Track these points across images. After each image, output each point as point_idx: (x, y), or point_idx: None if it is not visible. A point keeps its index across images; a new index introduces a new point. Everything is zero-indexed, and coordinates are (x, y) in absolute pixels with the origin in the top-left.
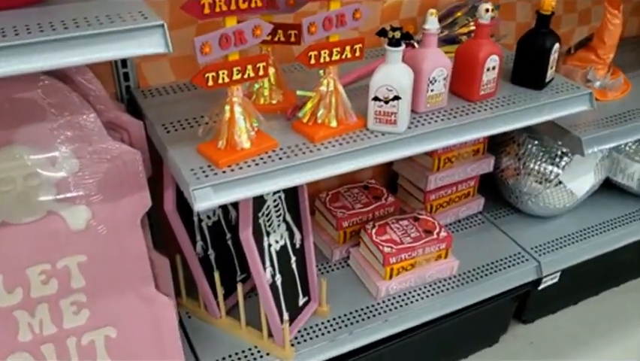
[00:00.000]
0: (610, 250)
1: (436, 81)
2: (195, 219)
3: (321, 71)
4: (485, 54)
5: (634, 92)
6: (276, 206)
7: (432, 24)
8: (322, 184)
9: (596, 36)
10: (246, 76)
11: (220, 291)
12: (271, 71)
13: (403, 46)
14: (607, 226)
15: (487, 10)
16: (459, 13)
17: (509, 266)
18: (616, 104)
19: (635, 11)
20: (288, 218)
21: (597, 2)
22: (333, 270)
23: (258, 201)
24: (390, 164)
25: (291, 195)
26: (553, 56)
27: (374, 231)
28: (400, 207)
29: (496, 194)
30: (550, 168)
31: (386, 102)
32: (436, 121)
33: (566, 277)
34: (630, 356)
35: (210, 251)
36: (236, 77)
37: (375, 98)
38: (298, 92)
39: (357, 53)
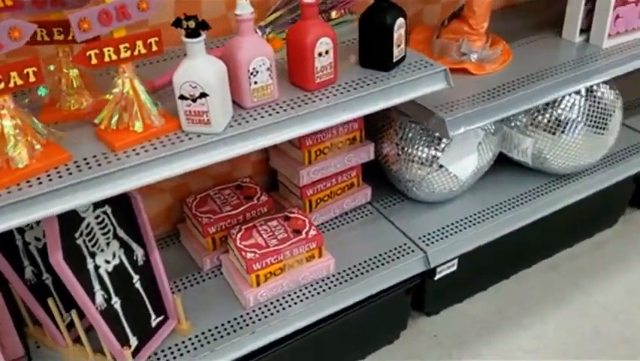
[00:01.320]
0: (509, 232)
1: (258, 72)
2: (19, 243)
3: (114, 72)
4: (313, 38)
5: (515, 63)
6: (100, 223)
7: (243, 8)
8: (193, 186)
9: (466, 5)
10: (136, 53)
11: (59, 319)
12: (73, 72)
13: (203, 36)
14: (503, 207)
15: None
16: None
17: (395, 259)
18: (494, 77)
19: None
20: (122, 234)
21: None
22: (204, 280)
23: (72, 220)
24: (267, 159)
25: (122, 207)
26: (399, 32)
27: (239, 236)
28: (275, 206)
29: (386, 181)
30: (429, 151)
31: (193, 100)
32: (263, 117)
33: (467, 264)
34: (539, 342)
35: (46, 276)
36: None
37: (182, 97)
38: (105, 97)
39: (154, 48)
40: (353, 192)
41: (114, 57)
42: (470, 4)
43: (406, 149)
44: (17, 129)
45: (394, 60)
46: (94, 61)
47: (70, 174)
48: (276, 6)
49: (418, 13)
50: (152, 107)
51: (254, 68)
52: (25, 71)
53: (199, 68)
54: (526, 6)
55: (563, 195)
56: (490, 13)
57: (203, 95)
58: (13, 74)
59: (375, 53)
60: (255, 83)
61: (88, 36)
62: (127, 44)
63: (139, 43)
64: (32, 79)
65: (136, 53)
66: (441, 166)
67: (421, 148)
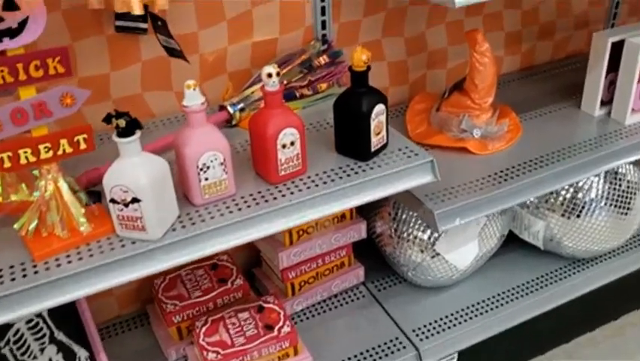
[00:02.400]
0: (515, 325)
1: (209, 168)
2: None
3: (36, 172)
4: (275, 129)
5: (524, 140)
6: (33, 328)
7: (191, 99)
8: None
9: (467, 78)
10: (60, 152)
11: None
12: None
13: (137, 134)
14: (511, 295)
15: (269, 75)
16: (292, 64)
17: (384, 356)
18: (499, 157)
19: (543, 34)
20: (61, 337)
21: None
22: None
23: None
24: None
25: (62, 307)
26: (377, 119)
27: (204, 330)
28: (253, 288)
29: (382, 258)
30: (424, 236)
31: (125, 205)
32: (213, 217)
33: (468, 358)
34: None
35: None
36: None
37: (113, 201)
38: (13, 197)
39: (83, 146)
40: (343, 273)
41: (32, 159)
42: (472, 78)
43: (399, 231)
44: None
45: (373, 150)
46: (7, 164)
47: None
48: (253, 79)
49: (421, 79)
50: (78, 211)
51: (204, 164)
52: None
53: (131, 171)
54: (546, 68)
55: (582, 282)
56: (498, 81)
57: (135, 200)
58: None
59: (351, 141)
60: (206, 179)
61: None
62: (48, 144)
63: (63, 142)
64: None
65: (60, 152)
66: (437, 254)
67: (415, 232)
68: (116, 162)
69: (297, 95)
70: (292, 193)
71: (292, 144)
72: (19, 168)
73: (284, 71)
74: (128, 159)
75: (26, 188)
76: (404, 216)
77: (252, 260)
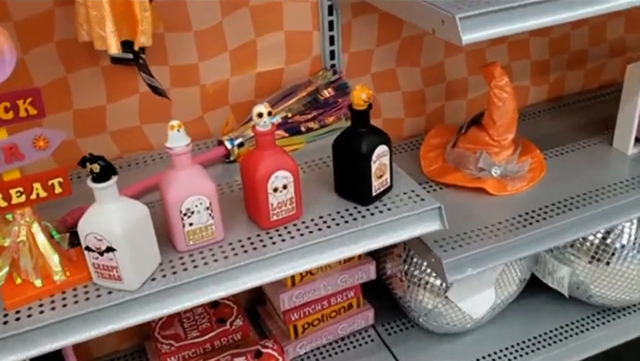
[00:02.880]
0: None
1: (193, 213)
2: None
3: (9, 216)
4: (266, 172)
5: (548, 180)
6: None
7: (174, 141)
8: None
9: (486, 113)
10: (33, 197)
11: None
12: None
13: (113, 180)
14: (533, 345)
15: (259, 115)
16: (297, 96)
17: None
18: (519, 198)
19: (573, 63)
20: None
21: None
22: None
23: None
24: None
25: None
26: (379, 161)
27: None
28: (254, 328)
29: (394, 300)
30: (435, 282)
31: (100, 254)
32: (197, 266)
33: None
34: None
35: None
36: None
37: (88, 248)
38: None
39: (58, 190)
40: (351, 315)
41: (3, 204)
42: (490, 113)
43: (410, 275)
44: None
45: (374, 194)
46: None
47: None
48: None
49: (439, 110)
50: (52, 258)
51: (187, 209)
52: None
53: (105, 218)
54: (575, 100)
55: (610, 334)
56: (523, 113)
57: (110, 249)
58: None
59: (350, 184)
60: (190, 224)
61: None
62: (20, 188)
63: (37, 185)
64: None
65: (33, 197)
66: (450, 301)
67: (426, 277)
68: (91, 207)
69: (303, 128)
70: (283, 241)
71: (285, 187)
72: None
73: (289, 102)
74: (103, 206)
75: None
76: (415, 260)
77: (256, 297)
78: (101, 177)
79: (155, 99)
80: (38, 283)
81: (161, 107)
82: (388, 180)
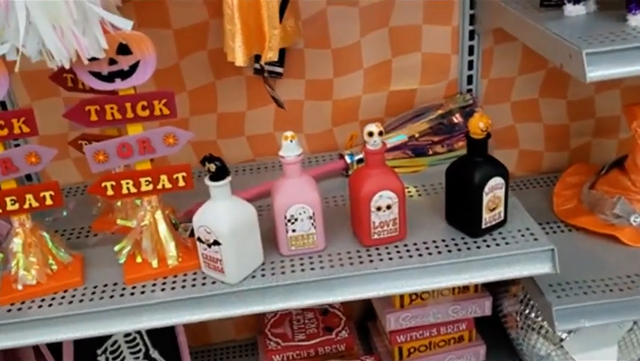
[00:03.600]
0: None
1: (297, 220)
2: None
3: (138, 202)
4: (370, 190)
5: None
6: (130, 342)
7: (287, 150)
8: None
9: (629, 154)
10: (159, 187)
11: None
12: None
13: (227, 179)
14: None
15: (369, 134)
16: (427, 117)
17: None
18: None
19: None
20: (155, 355)
21: None
22: None
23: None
24: None
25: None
26: (492, 194)
27: None
28: (360, 342)
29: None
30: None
31: (209, 246)
32: (294, 271)
33: None
34: None
35: None
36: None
37: (199, 239)
38: (118, 221)
39: (181, 183)
40: (461, 348)
41: (133, 190)
42: (634, 157)
43: (525, 316)
44: (30, 248)
45: (484, 226)
46: (110, 192)
47: (81, 301)
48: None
49: (585, 147)
50: (169, 244)
51: (292, 215)
52: (42, 194)
53: (216, 214)
54: None
55: None
56: None
57: (216, 242)
58: (28, 195)
59: (460, 213)
60: (293, 230)
61: (103, 168)
62: (149, 178)
63: (163, 177)
64: (49, 202)
65: (159, 187)
66: (566, 352)
67: (541, 321)
68: (206, 203)
69: (429, 151)
70: (381, 260)
71: (388, 207)
72: (120, 197)
73: (418, 123)
74: (216, 203)
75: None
76: (532, 302)
77: (368, 311)
78: (216, 176)
79: (290, 110)
80: (155, 264)
81: (294, 117)
82: (502, 213)
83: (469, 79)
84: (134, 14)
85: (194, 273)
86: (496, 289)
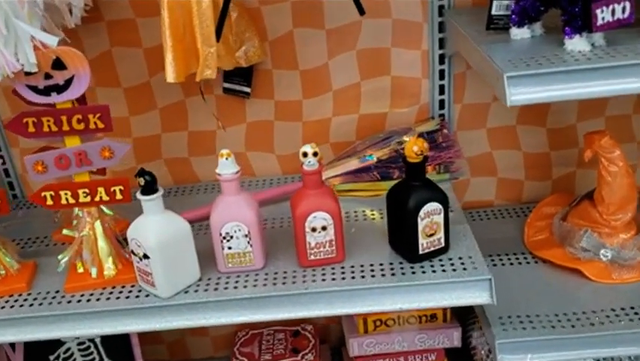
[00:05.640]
0: None
1: (232, 237)
2: None
3: (79, 212)
4: (304, 211)
5: None
6: (84, 350)
7: (224, 168)
8: None
9: (597, 186)
10: (97, 199)
11: None
12: None
13: (156, 194)
14: None
15: (304, 155)
16: (395, 141)
17: None
18: (620, 291)
19: None
20: None
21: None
22: None
23: (50, 342)
24: None
25: (115, 337)
26: (429, 219)
27: None
28: None
29: None
30: None
31: (140, 259)
32: (226, 288)
33: None
34: None
35: None
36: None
37: (133, 253)
38: (63, 231)
39: (119, 196)
40: None
41: (72, 201)
42: (600, 189)
43: (488, 349)
44: None
45: (422, 252)
46: (49, 202)
47: (21, 306)
48: (342, 154)
49: (569, 177)
50: (105, 255)
51: (227, 233)
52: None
53: (146, 228)
54: None
55: None
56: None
57: (145, 256)
58: (100, 189)
59: (399, 238)
60: (229, 248)
61: (43, 178)
62: (86, 190)
63: (101, 190)
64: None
65: (97, 199)
66: None
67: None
68: (139, 216)
69: (394, 175)
70: (314, 281)
71: (324, 228)
72: (60, 207)
73: (386, 147)
74: (147, 217)
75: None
76: None
77: (341, 334)
78: (146, 190)
79: (260, 130)
80: (94, 274)
81: (265, 138)
82: (442, 240)
83: (441, 103)
84: (107, 34)
85: (132, 285)
86: (466, 319)
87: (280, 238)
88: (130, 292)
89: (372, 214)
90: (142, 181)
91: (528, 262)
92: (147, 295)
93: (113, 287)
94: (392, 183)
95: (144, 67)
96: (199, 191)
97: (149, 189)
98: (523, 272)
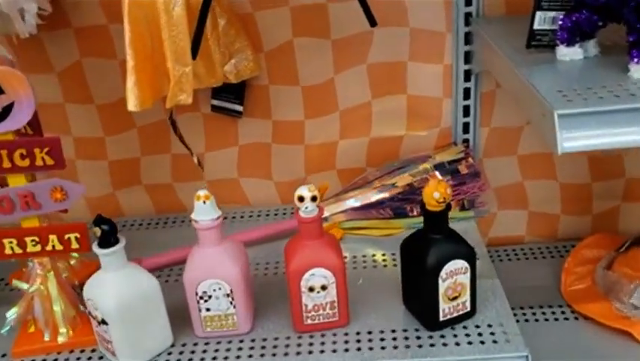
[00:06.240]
0: None
1: (210, 297)
2: None
3: (30, 263)
4: (299, 267)
5: None
6: None
7: (201, 213)
8: None
9: None
10: (49, 248)
11: None
12: None
13: (117, 247)
14: None
15: (300, 199)
16: (411, 171)
17: None
18: None
19: None
20: None
21: None
22: None
23: None
24: None
25: None
26: (454, 279)
27: None
28: None
29: None
30: None
31: (98, 323)
32: (203, 359)
33: None
34: None
35: None
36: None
37: (90, 314)
38: (13, 281)
39: (74, 245)
40: None
41: (18, 250)
42: None
43: None
44: None
45: (442, 318)
46: None
47: None
48: (352, 183)
49: (612, 212)
50: (59, 315)
51: (204, 292)
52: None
53: (103, 289)
54: None
55: None
56: None
57: (103, 321)
58: (52, 236)
59: (416, 300)
60: (207, 309)
61: None
62: (35, 237)
63: (53, 237)
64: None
65: (49, 248)
66: None
67: None
68: (97, 272)
69: (411, 211)
70: (310, 353)
71: (323, 288)
72: (5, 257)
73: (399, 177)
74: (106, 274)
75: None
76: None
77: None
78: (104, 242)
79: (255, 154)
80: (47, 336)
81: (261, 163)
82: (467, 303)
83: (466, 127)
84: (75, 42)
85: (93, 350)
86: None
87: (273, 290)
88: (89, 359)
89: (384, 260)
90: (98, 232)
91: (566, 318)
92: None
93: (71, 351)
94: (407, 221)
95: (119, 80)
96: (183, 222)
97: (108, 240)
98: (561, 332)
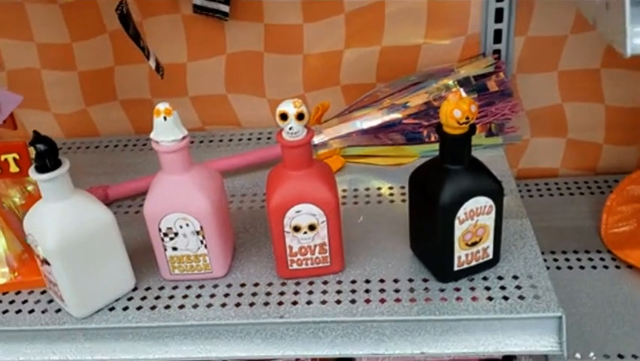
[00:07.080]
0: None
1: (177, 235)
2: None
3: None
4: (282, 201)
5: None
6: None
7: (162, 132)
8: None
9: None
10: None
11: None
12: None
13: (59, 171)
14: None
15: (282, 117)
16: (429, 88)
17: None
18: None
19: None
20: None
21: None
22: None
23: None
24: None
25: None
26: (475, 221)
27: None
28: None
29: None
30: None
31: (42, 263)
32: (168, 307)
33: None
34: None
35: None
36: None
37: (33, 251)
38: None
39: (13, 168)
40: None
41: None
42: None
43: None
44: None
45: (457, 268)
46: None
47: None
48: (356, 102)
49: None
50: (2, 254)
51: (169, 228)
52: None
53: (42, 223)
54: None
55: None
56: None
57: (45, 261)
58: None
59: (424, 244)
60: (174, 248)
61: None
62: None
63: None
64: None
65: None
66: None
67: None
68: (37, 202)
69: (428, 136)
70: (294, 303)
71: (312, 228)
72: None
73: (415, 95)
74: (47, 205)
75: None
76: None
77: None
78: (42, 166)
79: (246, 64)
80: None
81: (252, 76)
82: (490, 250)
83: (497, 35)
84: None
85: (43, 292)
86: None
87: (259, 228)
88: (36, 302)
89: (391, 194)
90: (33, 152)
91: (606, 266)
92: (58, 310)
93: (17, 293)
94: (422, 148)
95: None
96: None
97: (46, 164)
98: (600, 283)
